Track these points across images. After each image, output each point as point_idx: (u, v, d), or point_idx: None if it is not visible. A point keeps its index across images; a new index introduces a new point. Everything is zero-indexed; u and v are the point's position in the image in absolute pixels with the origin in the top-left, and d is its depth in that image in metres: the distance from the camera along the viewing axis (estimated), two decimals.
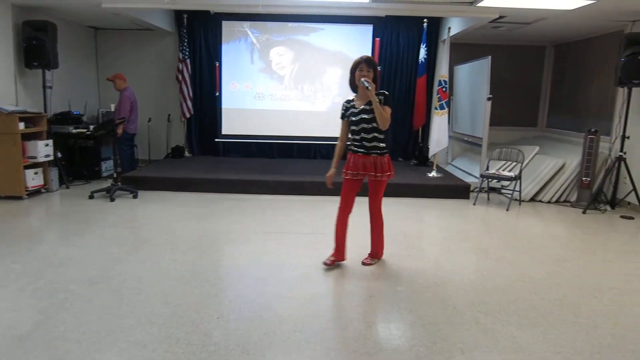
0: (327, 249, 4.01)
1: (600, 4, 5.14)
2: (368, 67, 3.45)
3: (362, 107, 3.51)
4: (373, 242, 3.85)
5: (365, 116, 3.49)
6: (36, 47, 6.09)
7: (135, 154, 7.68)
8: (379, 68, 3.68)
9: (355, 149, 3.59)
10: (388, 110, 3.45)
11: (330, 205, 5.74)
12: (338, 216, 3.69)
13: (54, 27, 6.27)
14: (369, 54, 7.89)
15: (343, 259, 3.77)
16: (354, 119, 3.55)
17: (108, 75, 6.79)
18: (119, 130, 6.30)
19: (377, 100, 3.38)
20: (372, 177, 3.55)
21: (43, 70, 6.34)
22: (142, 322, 2.75)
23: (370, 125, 3.49)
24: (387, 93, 3.53)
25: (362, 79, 3.39)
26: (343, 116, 3.65)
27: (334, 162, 3.69)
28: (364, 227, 3.85)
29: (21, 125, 5.64)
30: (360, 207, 3.73)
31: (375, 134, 3.51)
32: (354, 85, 3.58)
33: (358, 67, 3.47)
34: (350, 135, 3.65)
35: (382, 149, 3.56)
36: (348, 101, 3.64)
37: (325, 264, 3.67)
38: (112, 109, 7.15)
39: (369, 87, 3.34)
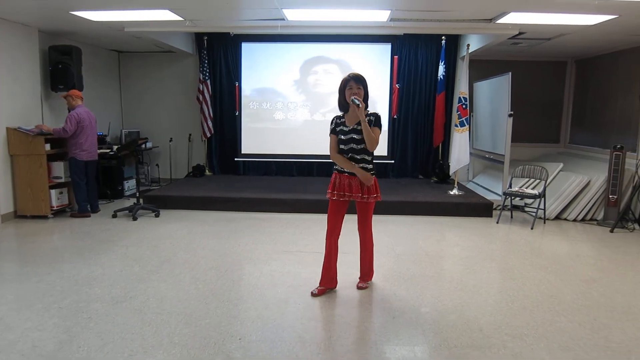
0: (350, 269, 3.97)
1: (622, 19, 5.06)
2: (357, 84, 3.31)
3: (353, 126, 3.37)
4: (364, 265, 3.71)
5: (355, 136, 3.36)
6: (62, 70, 6.28)
7: (149, 174, 7.67)
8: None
9: (341, 169, 3.47)
10: (377, 131, 3.33)
11: (352, 224, 5.69)
12: (327, 241, 3.59)
13: (78, 51, 6.46)
14: (388, 72, 8.13)
15: (333, 287, 3.62)
16: (343, 137, 3.41)
17: (132, 96, 6.55)
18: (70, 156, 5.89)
19: (367, 120, 3.27)
20: (358, 198, 3.44)
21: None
22: (165, 343, 2.74)
23: (359, 147, 3.37)
24: (378, 114, 3.39)
25: (353, 97, 3.25)
26: (333, 131, 3.48)
27: (352, 166, 3.42)
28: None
29: (47, 147, 5.78)
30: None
31: (365, 155, 3.40)
32: (343, 105, 3.43)
33: (347, 85, 3.34)
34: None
35: (368, 170, 3.42)
36: (338, 117, 3.49)
37: (312, 294, 3.51)
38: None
39: (360, 105, 3.22)
